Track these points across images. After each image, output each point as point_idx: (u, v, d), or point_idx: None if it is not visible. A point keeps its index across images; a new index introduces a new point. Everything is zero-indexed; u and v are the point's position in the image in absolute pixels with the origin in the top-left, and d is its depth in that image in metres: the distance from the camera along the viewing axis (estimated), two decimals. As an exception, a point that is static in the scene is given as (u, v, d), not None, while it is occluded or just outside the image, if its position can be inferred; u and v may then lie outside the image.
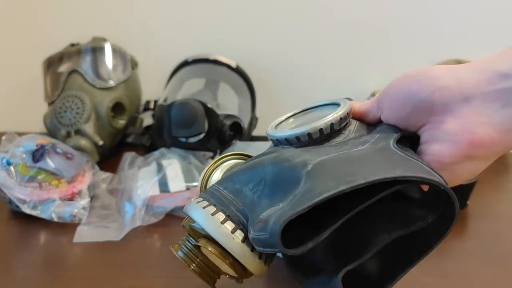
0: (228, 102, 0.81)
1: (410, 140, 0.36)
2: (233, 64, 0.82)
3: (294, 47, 0.88)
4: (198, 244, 0.36)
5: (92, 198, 0.62)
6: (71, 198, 0.59)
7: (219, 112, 0.69)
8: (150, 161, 0.66)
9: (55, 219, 0.56)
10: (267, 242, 0.30)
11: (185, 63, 0.82)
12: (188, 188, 0.60)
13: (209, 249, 0.34)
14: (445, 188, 0.30)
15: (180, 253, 0.37)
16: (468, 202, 0.63)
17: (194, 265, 0.37)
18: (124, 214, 0.57)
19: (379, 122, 0.37)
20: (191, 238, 0.38)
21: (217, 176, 0.40)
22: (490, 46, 0.87)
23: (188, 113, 0.67)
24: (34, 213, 0.56)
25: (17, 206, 0.57)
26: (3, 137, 0.62)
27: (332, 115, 0.36)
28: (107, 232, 0.55)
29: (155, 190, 0.59)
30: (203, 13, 0.86)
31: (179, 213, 0.59)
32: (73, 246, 0.53)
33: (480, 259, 0.52)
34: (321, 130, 0.36)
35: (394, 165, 0.30)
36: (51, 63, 0.77)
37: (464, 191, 0.62)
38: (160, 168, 0.63)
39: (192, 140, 0.69)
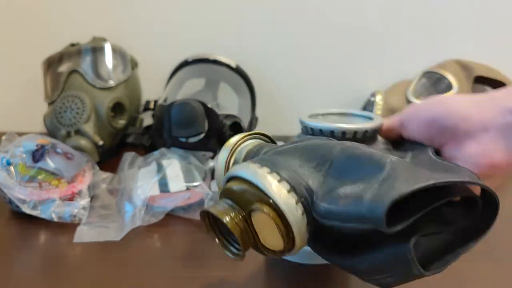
0: (228, 102, 0.81)
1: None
2: (233, 64, 0.82)
3: (294, 47, 0.89)
4: (253, 207, 0.34)
5: (92, 198, 0.62)
6: (71, 198, 0.59)
7: (219, 112, 0.69)
8: (150, 161, 0.66)
9: (55, 219, 0.56)
10: (359, 216, 0.30)
11: (185, 63, 0.82)
12: (188, 188, 0.60)
13: (270, 214, 0.33)
14: (492, 192, 0.35)
15: (227, 218, 0.34)
16: (468, 202, 0.63)
17: (235, 221, 0.34)
18: (124, 214, 0.57)
19: (399, 138, 0.41)
20: (228, 201, 0.35)
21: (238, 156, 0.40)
22: (486, 47, 0.88)
23: (188, 113, 0.67)
24: (34, 213, 0.56)
25: (17, 206, 0.57)
26: (3, 137, 0.62)
27: (369, 123, 0.41)
28: (107, 232, 0.55)
29: (155, 190, 0.59)
30: (203, 13, 0.86)
31: (179, 213, 0.59)
32: (73, 246, 0.53)
33: (480, 259, 0.52)
34: (355, 132, 0.40)
35: (454, 171, 0.33)
36: (51, 63, 0.77)
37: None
38: (160, 168, 0.63)
39: (192, 140, 0.69)
